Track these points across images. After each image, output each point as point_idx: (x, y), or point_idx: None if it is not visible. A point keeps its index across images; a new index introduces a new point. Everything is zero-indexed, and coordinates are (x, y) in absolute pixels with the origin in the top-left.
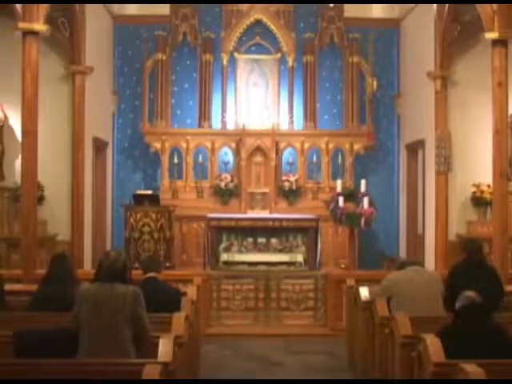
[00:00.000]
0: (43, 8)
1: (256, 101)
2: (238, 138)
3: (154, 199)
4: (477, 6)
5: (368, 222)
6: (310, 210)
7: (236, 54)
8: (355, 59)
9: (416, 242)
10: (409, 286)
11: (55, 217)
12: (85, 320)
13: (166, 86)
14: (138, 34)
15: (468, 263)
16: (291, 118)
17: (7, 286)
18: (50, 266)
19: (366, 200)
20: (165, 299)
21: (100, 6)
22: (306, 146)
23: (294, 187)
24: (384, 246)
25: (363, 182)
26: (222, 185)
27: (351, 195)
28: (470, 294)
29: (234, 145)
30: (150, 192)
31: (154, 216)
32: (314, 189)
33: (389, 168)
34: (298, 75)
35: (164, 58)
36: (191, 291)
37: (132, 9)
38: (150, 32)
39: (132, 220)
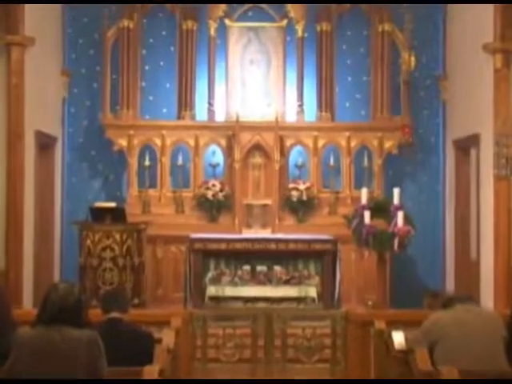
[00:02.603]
0: None
1: (254, 83)
2: (231, 132)
3: (118, 214)
4: None
5: (403, 243)
6: (326, 228)
7: (227, 22)
8: (387, 28)
9: (468, 270)
10: (459, 330)
11: None
12: (23, 375)
13: (133, 63)
14: None
15: None
16: (300, 106)
17: None
18: None
19: (400, 215)
20: (132, 347)
21: None
22: (321, 143)
23: (304, 198)
24: (425, 275)
25: (397, 192)
26: (209, 195)
27: (381, 209)
28: None
29: (224, 142)
30: (112, 205)
31: (118, 237)
32: (331, 200)
33: (431, 172)
34: (310, 49)
35: (131, 26)
36: (168, 337)
37: None
38: None
39: (89, 242)
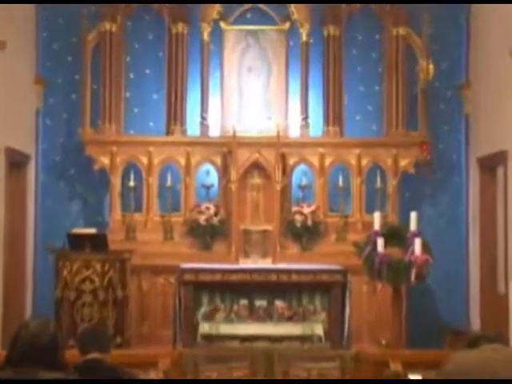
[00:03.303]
0: None
1: (252, 94)
2: (226, 149)
3: (98, 241)
4: None
5: (421, 274)
6: (334, 257)
7: (223, 25)
8: (402, 31)
9: (495, 304)
10: (485, 374)
11: None
12: None
13: (117, 71)
14: None
15: None
16: (305, 119)
17: None
18: None
19: (417, 242)
20: None
21: None
22: (328, 161)
23: (309, 223)
24: (446, 311)
25: (414, 216)
26: (202, 220)
27: (396, 235)
28: None
29: (219, 160)
30: (92, 231)
31: (98, 267)
32: (339, 225)
33: (452, 194)
34: (316, 56)
35: (114, 29)
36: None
37: None
38: None
39: (66, 272)
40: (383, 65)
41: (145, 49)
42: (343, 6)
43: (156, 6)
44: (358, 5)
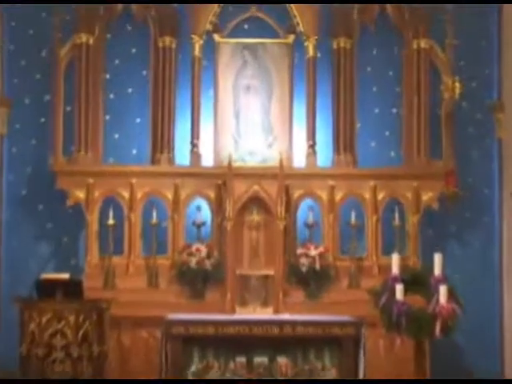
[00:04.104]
0: None
1: (251, 117)
2: (221, 181)
3: (72, 289)
4: None
5: (447, 327)
6: (346, 306)
7: (217, 37)
8: (423, 44)
9: None
10: None
11: None
12: None
13: (94, 90)
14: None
15: None
16: (312, 146)
17: None
18: None
19: (443, 289)
20: None
21: None
22: (339, 195)
23: (317, 267)
24: (477, 369)
25: (438, 258)
26: (193, 263)
27: (417, 281)
28: None
29: (212, 193)
30: (65, 276)
31: (72, 319)
32: (351, 270)
33: (483, 234)
34: (324, 73)
35: (91, 41)
36: None
37: None
38: None
39: (33, 326)
40: (402, 83)
41: (127, 65)
42: (355, 15)
43: (140, 15)
44: (373, 13)
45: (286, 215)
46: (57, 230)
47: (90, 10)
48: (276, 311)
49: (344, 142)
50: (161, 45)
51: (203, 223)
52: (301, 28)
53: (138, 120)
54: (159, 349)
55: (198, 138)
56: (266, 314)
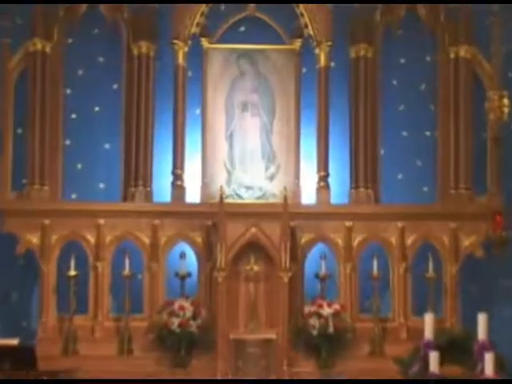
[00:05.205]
0: None
1: (248, 141)
2: (210, 221)
3: (23, 357)
4: None
5: None
6: (367, 377)
7: (205, 42)
8: (464, 53)
9: None
10: None
11: None
12: None
13: (52, 109)
14: None
15: None
16: (324, 178)
17: None
18: None
19: (488, 358)
20: None
21: None
22: (358, 239)
23: (330, 329)
24: None
25: (483, 319)
26: (175, 325)
27: (457, 347)
28: None
29: (199, 237)
30: (14, 342)
31: None
32: (374, 333)
33: None
34: (339, 87)
35: (48, 48)
36: None
37: None
38: None
39: None
40: (436, 100)
41: (93, 77)
42: (378, 16)
43: (110, 16)
44: (400, 14)
45: (291, 265)
46: (4, 284)
47: (47, 11)
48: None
49: (364, 172)
50: (135, 52)
51: (188, 274)
52: (310, 31)
53: (107, 146)
54: None
55: (181, 169)
56: None
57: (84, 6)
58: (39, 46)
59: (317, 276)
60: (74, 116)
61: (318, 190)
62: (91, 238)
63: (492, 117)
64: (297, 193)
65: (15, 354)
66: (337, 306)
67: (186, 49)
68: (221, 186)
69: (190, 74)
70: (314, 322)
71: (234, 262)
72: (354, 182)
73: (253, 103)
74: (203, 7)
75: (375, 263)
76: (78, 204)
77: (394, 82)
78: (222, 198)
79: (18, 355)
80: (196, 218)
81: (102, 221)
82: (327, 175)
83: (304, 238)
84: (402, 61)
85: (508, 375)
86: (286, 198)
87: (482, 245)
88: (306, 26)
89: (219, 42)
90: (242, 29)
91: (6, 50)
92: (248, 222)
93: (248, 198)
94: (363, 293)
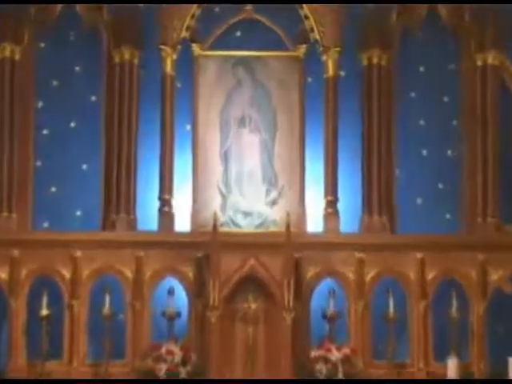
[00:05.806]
0: None
1: (246, 161)
2: (202, 253)
3: None
4: None
5: None
6: None
7: (196, 48)
8: (492, 60)
9: None
10: None
11: None
12: None
13: (22, 124)
14: None
15: None
16: (332, 203)
17: None
18: None
19: None
20: None
21: None
22: (371, 273)
23: (340, 375)
24: None
25: None
26: (162, 372)
27: None
28: None
29: (190, 271)
30: None
31: None
32: (388, 380)
33: None
34: (350, 98)
35: (17, 55)
36: None
37: None
38: None
39: None
40: (461, 113)
41: (69, 88)
42: (394, 18)
43: (88, 19)
44: (420, 16)
45: (295, 303)
46: None
47: (17, 12)
48: None
49: (378, 197)
50: (117, 59)
51: (177, 314)
52: (316, 36)
53: (85, 167)
54: None
55: (169, 193)
56: None
57: (58, 6)
58: (7, 52)
59: (324, 316)
60: (46, 132)
61: (326, 216)
62: (66, 273)
63: None
64: (301, 220)
65: None
66: (347, 350)
67: (175, 56)
68: (214, 213)
69: (179, 84)
70: (320, 367)
71: (230, 300)
72: (367, 207)
73: (251, 118)
74: (194, 8)
75: (391, 301)
76: (50, 233)
77: (413, 94)
78: (215, 226)
79: None
80: (186, 248)
81: (78, 252)
82: (336, 200)
83: (310, 272)
84: (422, 69)
85: None
86: (288, 226)
87: (510, 279)
88: (312, 30)
89: (212, 48)
90: (239, 33)
91: None
92: (245, 253)
93: (246, 225)
94: (377, 335)
